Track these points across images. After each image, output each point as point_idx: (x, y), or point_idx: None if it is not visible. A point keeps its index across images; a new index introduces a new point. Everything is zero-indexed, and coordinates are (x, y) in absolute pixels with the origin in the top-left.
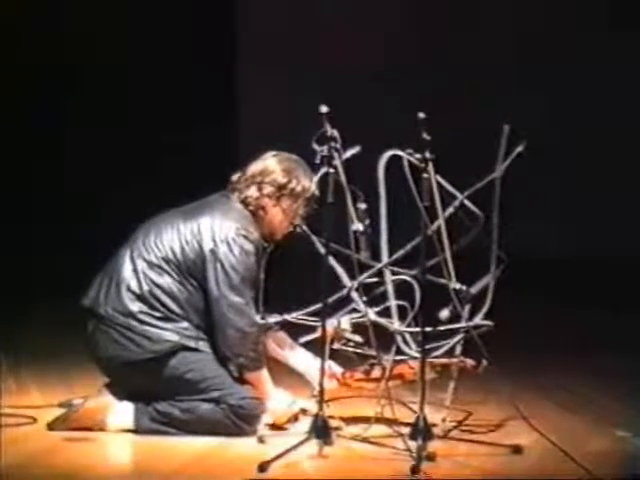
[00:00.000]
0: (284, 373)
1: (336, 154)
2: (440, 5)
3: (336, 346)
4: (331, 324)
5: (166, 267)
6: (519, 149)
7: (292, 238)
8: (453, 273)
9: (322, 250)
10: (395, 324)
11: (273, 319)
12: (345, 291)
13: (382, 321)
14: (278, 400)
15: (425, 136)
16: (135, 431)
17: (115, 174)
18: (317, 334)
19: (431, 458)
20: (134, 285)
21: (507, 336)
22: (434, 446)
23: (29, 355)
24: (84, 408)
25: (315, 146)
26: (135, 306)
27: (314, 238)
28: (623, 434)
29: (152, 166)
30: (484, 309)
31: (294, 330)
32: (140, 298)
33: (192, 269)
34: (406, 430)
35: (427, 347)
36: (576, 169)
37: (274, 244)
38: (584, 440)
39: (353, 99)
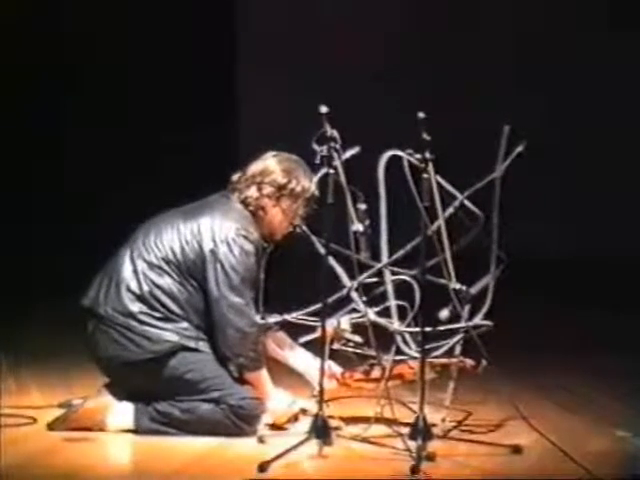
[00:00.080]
0: (284, 373)
1: (336, 154)
2: (440, 5)
3: (336, 346)
4: (331, 324)
5: (166, 267)
6: (519, 149)
7: (292, 238)
8: (453, 273)
9: (322, 250)
10: (395, 324)
11: (273, 319)
12: (345, 291)
13: (382, 321)
14: (278, 400)
15: (425, 136)
16: (135, 431)
17: (115, 174)
18: (317, 334)
19: (431, 458)
20: (134, 285)
21: (507, 336)
22: (434, 446)
23: (29, 355)
24: (84, 408)
25: (315, 146)
26: (135, 306)
27: (314, 238)
28: (623, 434)
29: (152, 166)
30: (484, 309)
31: (294, 330)
32: (140, 298)
33: (192, 269)
34: (406, 430)
35: (427, 347)
36: (576, 169)
37: (274, 244)
38: (584, 440)
39: (353, 99)
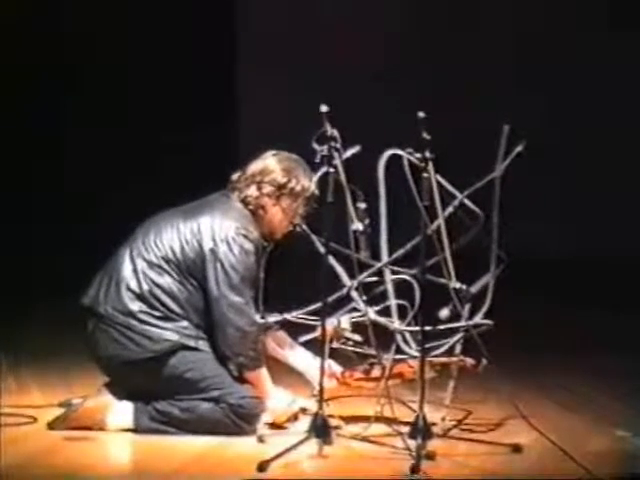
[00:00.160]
0: (284, 372)
1: (336, 154)
2: (440, 5)
3: (335, 345)
4: (331, 323)
5: (166, 266)
6: (519, 149)
7: (292, 237)
8: (453, 272)
9: (322, 249)
10: (395, 323)
11: (273, 318)
12: (345, 290)
13: (382, 320)
14: (278, 399)
15: (425, 136)
16: (135, 430)
17: (115, 174)
18: (317, 333)
19: (431, 457)
20: (134, 284)
21: (507, 335)
22: (434, 445)
23: (29, 355)
24: (84, 407)
25: (315, 145)
26: (135, 305)
27: (314, 237)
28: (623, 434)
29: (152, 166)
30: (484, 308)
31: (294, 329)
32: (140, 297)
33: (192, 268)
34: (406, 429)
35: (427, 346)
36: (576, 169)
37: (274, 243)
38: (584, 439)
39: (353, 99)
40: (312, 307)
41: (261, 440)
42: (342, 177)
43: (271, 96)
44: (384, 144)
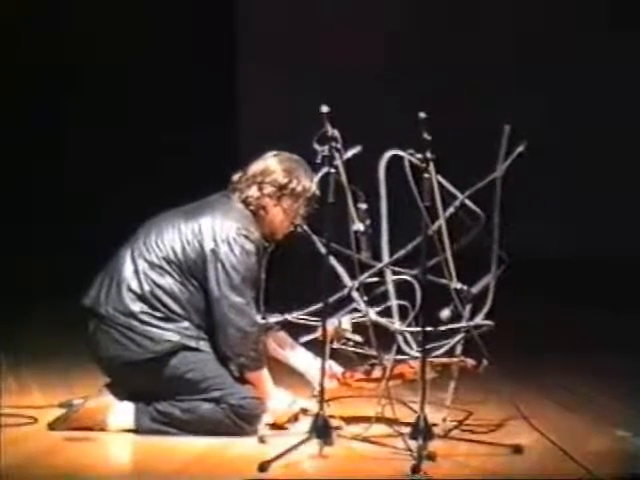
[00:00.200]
0: (285, 373)
1: (337, 154)
2: (440, 5)
3: (336, 345)
4: (332, 324)
5: (167, 267)
6: (520, 149)
7: (293, 238)
8: (454, 273)
9: (323, 250)
10: (396, 324)
11: (274, 319)
12: (346, 291)
13: (383, 321)
14: (279, 400)
15: (426, 136)
16: (136, 431)
17: (115, 174)
18: (317, 334)
19: (431, 458)
20: (135, 285)
21: (507, 336)
22: (434, 446)
23: (29, 355)
24: (84, 408)
25: (316, 146)
26: (136, 306)
27: (315, 238)
28: (623, 434)
29: (152, 166)
30: (485, 309)
31: (295, 330)
32: (141, 298)
33: (193, 269)
34: (406, 430)
35: (428, 347)
36: (576, 169)
37: (275, 244)
38: (584, 440)
39: (353, 99)
40: (313, 308)
41: (262, 440)
42: (343, 178)
43: (271, 96)
44: (385, 145)
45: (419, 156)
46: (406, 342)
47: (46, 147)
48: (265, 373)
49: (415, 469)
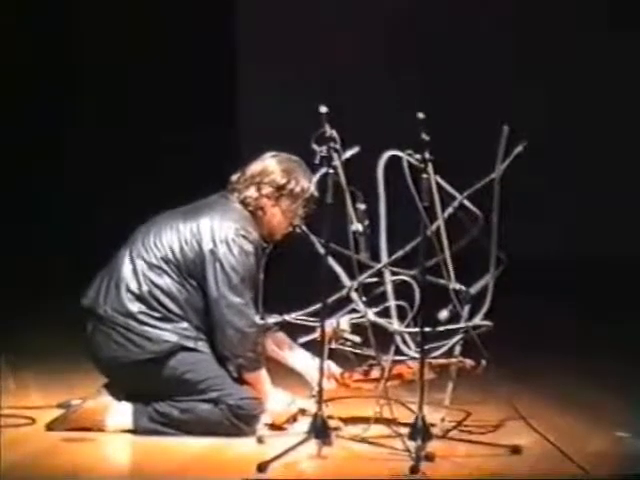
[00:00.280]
0: (283, 373)
1: (335, 154)
2: (440, 5)
3: (334, 345)
4: (330, 324)
5: (166, 267)
6: (518, 149)
7: (291, 238)
8: (452, 273)
9: (321, 250)
10: (394, 324)
11: (272, 319)
12: (344, 291)
13: (381, 321)
14: (277, 400)
15: (424, 136)
16: (134, 431)
17: (115, 174)
18: (316, 334)
19: (430, 458)
20: (134, 286)
21: (506, 336)
22: (433, 446)
23: (29, 356)
24: (83, 409)
25: (314, 146)
26: (134, 306)
27: (313, 238)
28: (622, 434)
29: (152, 166)
30: (483, 309)
31: (293, 330)
32: (139, 298)
33: (191, 269)
34: (405, 430)
35: (426, 347)
36: (576, 169)
37: (273, 244)
38: (583, 440)
39: (353, 99)
40: (312, 308)
41: (260, 441)
42: (342, 178)
43: (271, 96)
44: (384, 145)
45: (418, 156)
46: (405, 343)
47: (46, 147)
48: (264, 373)
49: (414, 469)
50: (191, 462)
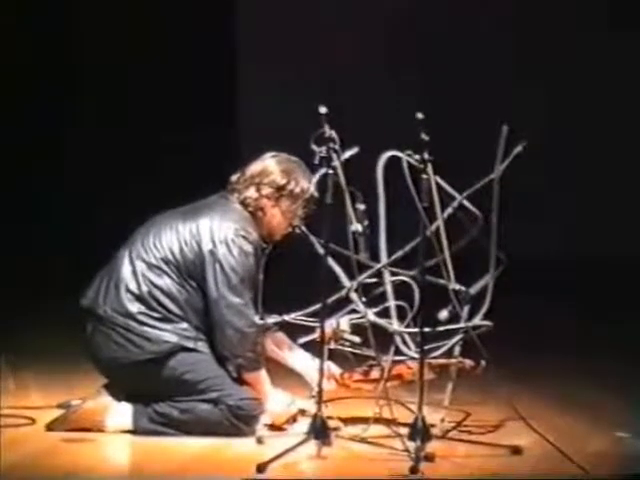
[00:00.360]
0: (283, 374)
1: (335, 155)
2: (440, 5)
3: (333, 345)
4: (330, 325)
5: (165, 268)
6: (518, 149)
7: (291, 239)
8: (452, 274)
9: (321, 251)
10: (394, 325)
11: (272, 320)
12: (344, 292)
13: (381, 322)
14: (277, 401)
15: (424, 137)
16: (134, 432)
17: (115, 174)
18: (316, 335)
19: (430, 459)
20: (133, 286)
21: (506, 336)
22: (433, 447)
23: (29, 355)
24: (83, 409)
25: (314, 147)
26: (134, 307)
27: (313, 239)
28: (622, 434)
29: (152, 166)
30: (483, 309)
31: (293, 331)
32: (139, 299)
33: (191, 270)
34: (405, 431)
35: (426, 348)
36: (576, 169)
37: (273, 245)
38: (583, 441)
39: (353, 99)
40: (311, 308)
41: (260, 441)
42: (341, 178)
43: (271, 96)
44: (383, 145)
45: (417, 157)
46: (404, 343)
47: (46, 147)
48: (263, 374)
49: (413, 470)
50: (191, 462)
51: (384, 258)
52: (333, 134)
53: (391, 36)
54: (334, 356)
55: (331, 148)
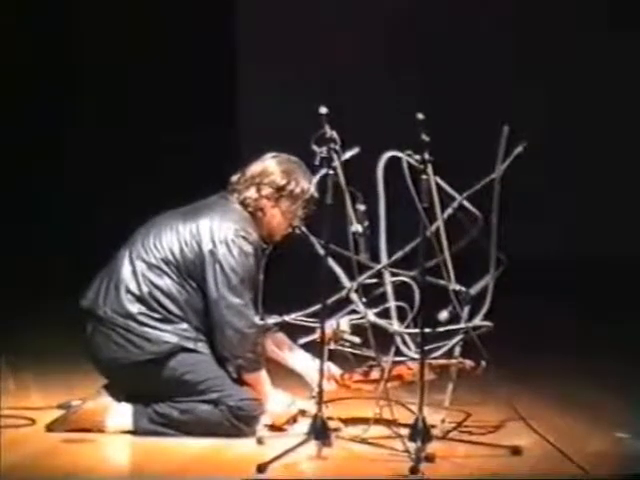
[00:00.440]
0: (283, 374)
1: (335, 155)
2: (440, 5)
3: (333, 346)
4: (330, 325)
5: (165, 268)
6: (518, 150)
7: (291, 239)
8: (452, 274)
9: (321, 251)
10: (394, 325)
11: (272, 320)
12: (344, 292)
13: (381, 322)
14: (277, 401)
15: (424, 137)
16: (134, 432)
17: (115, 174)
18: (316, 335)
19: (430, 459)
20: (133, 286)
21: (506, 337)
22: (433, 447)
23: (29, 355)
24: (83, 409)
25: (314, 147)
26: (134, 307)
27: (313, 239)
28: (622, 434)
29: (152, 166)
30: (483, 310)
31: (293, 331)
32: (139, 299)
33: (191, 270)
34: (405, 431)
35: (426, 348)
36: (576, 169)
37: (273, 245)
38: (583, 441)
39: (353, 99)
40: (311, 309)
41: (260, 442)
42: (341, 179)
43: (271, 96)
44: (383, 146)
45: (417, 157)
46: (404, 343)
47: (46, 147)
48: (263, 374)
49: (414, 470)
50: (191, 463)
51: (384, 259)
52: (334, 134)
53: (391, 36)
54: (334, 357)
55: (331, 148)
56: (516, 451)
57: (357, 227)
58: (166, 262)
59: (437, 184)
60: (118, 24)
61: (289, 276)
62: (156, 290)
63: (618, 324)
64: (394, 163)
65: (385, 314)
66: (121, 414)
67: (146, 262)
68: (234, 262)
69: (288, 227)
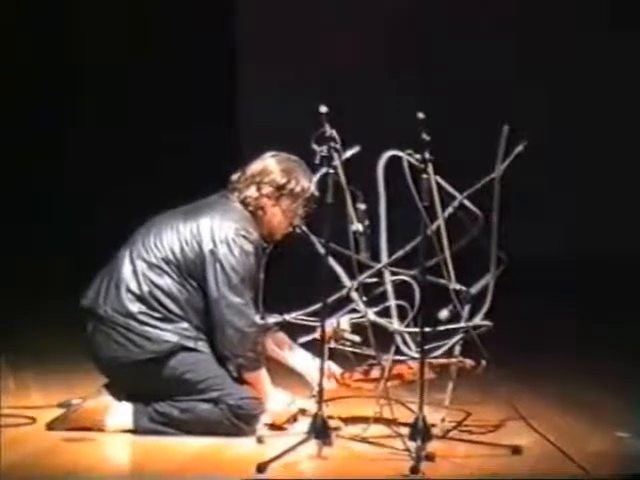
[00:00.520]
0: (283, 373)
1: (336, 154)
2: (440, 5)
3: (334, 345)
4: (330, 324)
5: (166, 268)
6: (519, 149)
7: (291, 238)
8: (453, 273)
9: (322, 250)
10: (394, 324)
11: (272, 319)
12: (345, 291)
13: (381, 321)
14: (277, 400)
15: (424, 136)
16: (134, 431)
17: (115, 174)
18: (316, 334)
19: (430, 458)
20: (134, 286)
21: (506, 336)
22: (433, 446)
23: (29, 355)
24: (83, 408)
25: (314, 146)
26: (135, 307)
27: (314, 238)
28: (622, 434)
29: (152, 166)
30: (484, 309)
31: (293, 330)
32: (140, 299)
33: (192, 269)
34: (405, 430)
35: (426, 347)
36: (576, 169)
37: (273, 244)
38: (583, 440)
39: (353, 99)
40: (312, 308)
41: (260, 441)
42: (342, 178)
43: (271, 96)
44: (384, 145)
45: (418, 156)
46: (405, 342)
47: (46, 147)
48: (264, 373)
49: (414, 470)
50: (191, 462)
51: (385, 258)
52: (334, 133)
53: (391, 36)
54: (334, 356)
55: (332, 147)
56: (516, 450)
57: (357, 226)
58: (167, 261)
59: (437, 183)
60: (118, 24)
61: (289, 275)
62: (156, 289)
63: (618, 324)
64: (394, 162)
65: (385, 313)
66: (121, 413)
67: (147, 261)
68: (235, 261)
69: (288, 226)
